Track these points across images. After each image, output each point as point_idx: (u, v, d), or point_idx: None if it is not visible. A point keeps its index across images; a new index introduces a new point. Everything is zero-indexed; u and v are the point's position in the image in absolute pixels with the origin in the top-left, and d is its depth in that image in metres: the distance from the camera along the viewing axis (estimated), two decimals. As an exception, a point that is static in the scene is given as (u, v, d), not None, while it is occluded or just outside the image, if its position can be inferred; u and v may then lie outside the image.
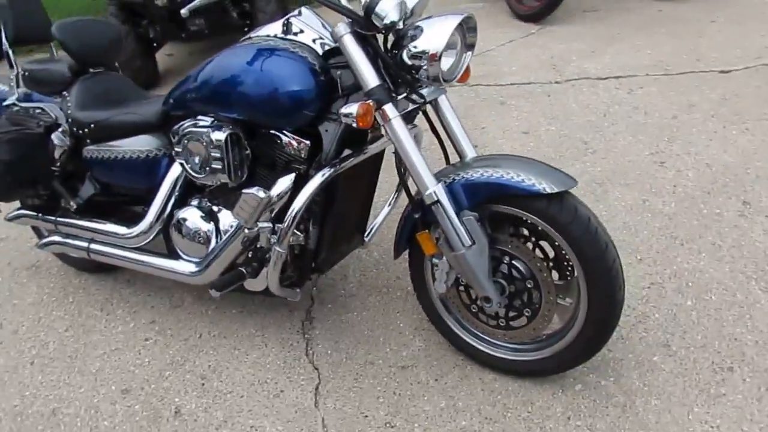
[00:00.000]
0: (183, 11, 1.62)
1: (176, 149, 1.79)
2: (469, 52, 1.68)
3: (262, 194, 1.57)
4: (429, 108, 1.78)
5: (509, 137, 3.14)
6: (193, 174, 1.79)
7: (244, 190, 1.64)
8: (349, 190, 1.83)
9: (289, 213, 1.61)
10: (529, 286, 1.65)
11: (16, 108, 2.22)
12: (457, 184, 1.61)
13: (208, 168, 1.75)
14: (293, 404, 1.84)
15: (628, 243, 2.30)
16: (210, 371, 2.01)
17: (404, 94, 1.65)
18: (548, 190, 1.50)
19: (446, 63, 1.64)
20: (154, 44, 4.35)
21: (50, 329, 2.31)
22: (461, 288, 1.78)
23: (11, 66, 2.25)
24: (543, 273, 1.62)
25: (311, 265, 1.87)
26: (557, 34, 4.45)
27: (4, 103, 2.27)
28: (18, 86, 2.25)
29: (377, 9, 1.54)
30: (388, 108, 1.56)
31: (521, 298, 1.68)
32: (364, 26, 1.57)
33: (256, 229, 1.61)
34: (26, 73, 2.22)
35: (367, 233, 2.12)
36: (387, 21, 1.55)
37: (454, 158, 1.82)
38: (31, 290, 2.55)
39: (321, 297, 2.27)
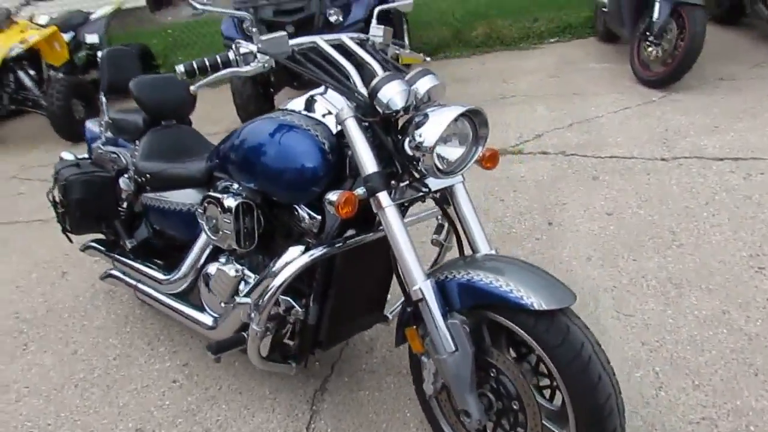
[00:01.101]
0: (192, 88, 1.69)
1: (198, 209, 1.87)
2: (480, 147, 1.58)
3: (233, 273, 1.58)
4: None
5: (589, 217, 2.90)
6: (209, 235, 1.85)
7: (217, 265, 1.67)
8: (355, 267, 1.78)
9: (266, 290, 1.60)
10: (515, 407, 1.48)
11: (100, 151, 2.47)
12: (452, 282, 1.50)
13: (220, 232, 1.80)
14: (275, 480, 1.81)
15: (688, 362, 1.99)
16: (216, 426, 2.04)
17: (407, 182, 1.58)
18: (535, 306, 1.35)
19: (454, 153, 1.56)
20: (271, 89, 4.65)
21: (102, 355, 2.49)
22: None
23: (102, 113, 2.51)
24: (528, 395, 1.45)
25: (311, 341, 1.84)
26: (680, 104, 4.06)
27: (93, 145, 2.54)
28: (105, 131, 2.50)
29: (379, 95, 1.50)
30: (382, 196, 1.51)
31: (508, 418, 1.51)
32: (368, 111, 1.54)
33: (231, 304, 1.62)
34: (111, 121, 2.46)
35: (392, 309, 2.06)
36: (390, 108, 1.50)
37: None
38: (100, 314, 2.79)
39: (342, 367, 2.22)
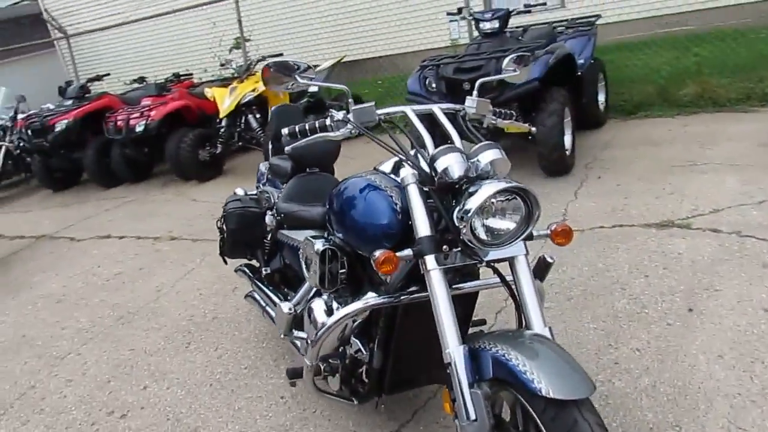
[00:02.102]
0: (287, 149, 1.96)
1: (300, 249, 2.14)
2: (530, 225, 1.59)
3: (286, 309, 1.78)
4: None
5: (740, 310, 2.55)
6: (304, 272, 2.10)
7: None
8: (419, 321, 1.86)
9: (318, 328, 1.78)
10: (523, 487, 1.44)
11: (260, 189, 2.91)
12: (485, 353, 1.53)
13: (311, 271, 2.04)
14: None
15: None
16: (299, 446, 2.27)
17: (459, 249, 1.65)
18: (543, 393, 1.33)
19: (503, 226, 1.59)
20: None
21: (237, 363, 2.90)
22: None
23: (266, 158, 2.96)
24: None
25: (375, 384, 1.97)
26: None
27: (258, 184, 3.00)
28: (267, 173, 2.94)
29: (436, 164, 1.62)
30: (429, 259, 1.61)
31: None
32: (427, 179, 1.66)
33: (290, 337, 1.81)
34: (271, 165, 2.90)
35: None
36: (446, 177, 1.60)
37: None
38: (248, 328, 3.23)
39: (421, 416, 2.29)
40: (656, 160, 4.50)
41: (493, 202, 1.56)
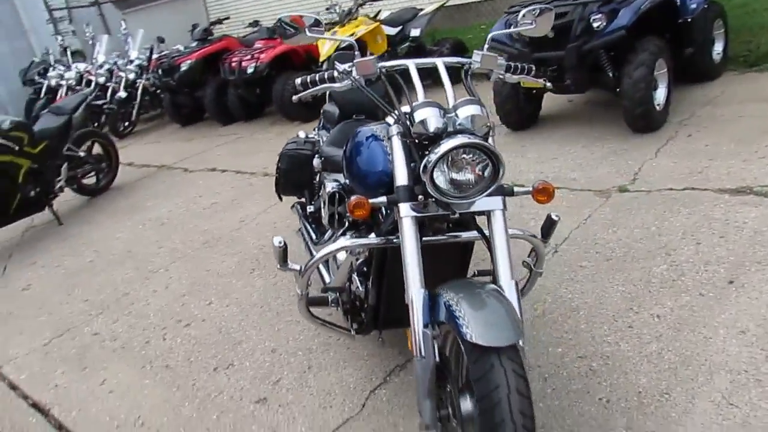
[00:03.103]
0: (294, 98, 2.10)
1: (320, 192, 2.32)
2: (493, 181, 1.64)
3: (276, 242, 1.96)
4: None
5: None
6: (320, 212, 2.29)
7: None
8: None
9: (308, 263, 1.96)
10: (454, 423, 1.56)
11: (314, 133, 3.12)
12: (440, 299, 1.63)
13: (321, 211, 2.22)
14: None
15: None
16: (316, 365, 2.52)
17: (434, 200, 1.73)
18: (468, 338, 1.43)
19: (464, 177, 1.65)
20: (533, 90, 4.73)
21: (288, 291, 3.19)
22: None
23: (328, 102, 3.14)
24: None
25: (371, 319, 2.13)
26: None
27: (315, 127, 3.20)
28: (322, 118, 3.13)
29: (414, 116, 1.70)
30: (402, 207, 1.72)
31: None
32: (407, 132, 1.75)
33: (284, 268, 2.00)
34: (323, 111, 3.07)
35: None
36: (421, 131, 1.69)
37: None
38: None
39: None
40: (761, 120, 4.08)
41: (455, 156, 1.62)
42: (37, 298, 3.84)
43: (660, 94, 4.21)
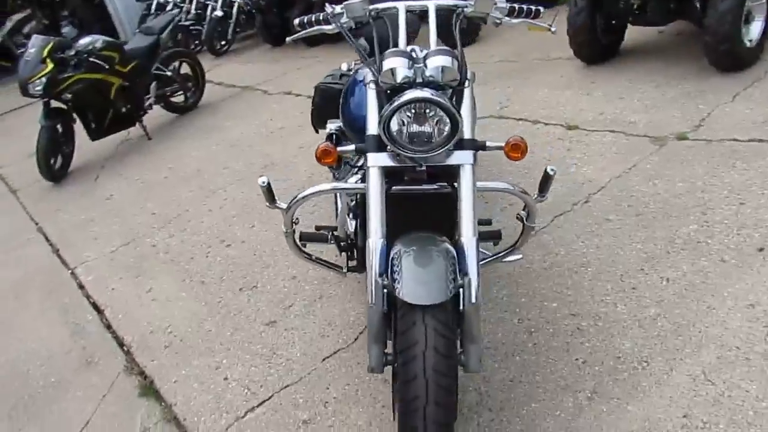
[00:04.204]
0: (287, 39, 2.10)
1: None
2: (444, 134, 1.61)
3: (260, 181, 2.03)
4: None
5: None
6: None
7: None
8: (394, 211, 1.99)
9: (290, 200, 2.03)
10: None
11: (350, 67, 3.12)
12: (393, 249, 1.67)
13: None
14: None
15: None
16: (318, 318, 2.67)
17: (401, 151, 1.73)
18: (397, 293, 1.48)
19: (420, 129, 1.63)
20: (613, 21, 4.33)
21: (323, 221, 3.32)
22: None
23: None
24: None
25: (361, 259, 2.20)
26: None
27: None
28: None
29: (382, 65, 1.68)
30: (369, 156, 1.75)
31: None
32: (377, 80, 1.73)
33: (272, 206, 2.09)
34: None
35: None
36: (388, 79, 1.67)
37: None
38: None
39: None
40: None
41: (413, 109, 1.60)
42: (116, 208, 4.26)
43: (754, 29, 3.75)
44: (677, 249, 2.39)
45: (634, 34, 4.67)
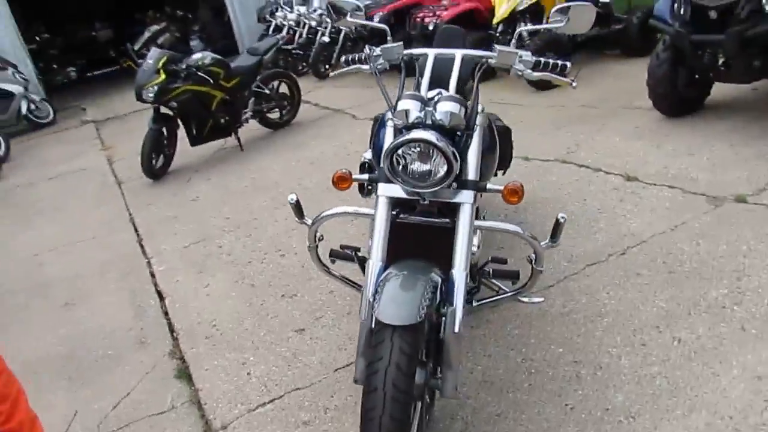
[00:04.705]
0: (330, 74, 2.30)
1: None
2: (440, 173, 1.74)
3: (290, 200, 2.23)
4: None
5: None
6: None
7: None
8: (405, 238, 2.11)
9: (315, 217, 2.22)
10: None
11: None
12: (385, 272, 1.84)
13: None
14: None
15: None
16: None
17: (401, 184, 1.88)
18: (374, 313, 1.63)
19: (418, 167, 1.78)
20: (695, 74, 4.21)
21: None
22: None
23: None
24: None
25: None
26: None
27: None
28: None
29: (397, 106, 1.86)
30: (380, 186, 1.93)
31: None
32: (394, 119, 1.91)
33: (300, 221, 2.29)
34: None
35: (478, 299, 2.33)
36: (402, 119, 1.85)
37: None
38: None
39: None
40: None
41: (412, 148, 1.76)
42: (198, 209, 4.70)
43: None
44: (699, 311, 2.36)
45: (724, 88, 4.53)
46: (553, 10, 2.04)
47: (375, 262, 1.87)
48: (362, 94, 7.67)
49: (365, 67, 2.20)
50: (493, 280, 2.35)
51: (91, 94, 11.74)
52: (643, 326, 2.35)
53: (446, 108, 1.81)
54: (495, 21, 6.23)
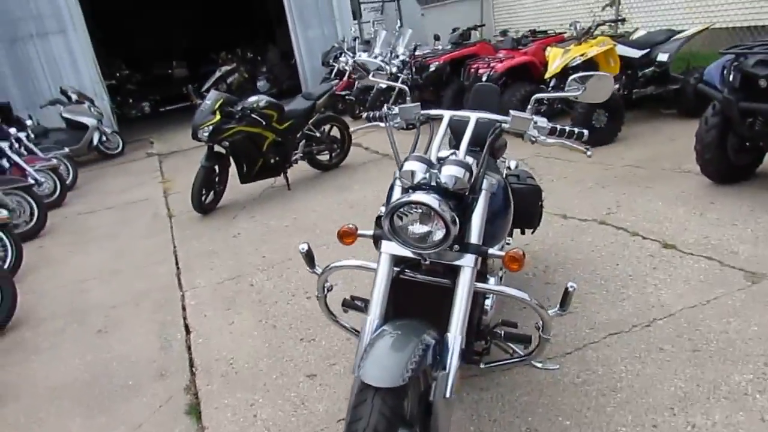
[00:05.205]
0: (351, 129, 2.35)
1: None
2: (437, 234, 1.75)
3: (301, 248, 2.28)
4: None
5: None
6: None
7: None
8: (408, 294, 2.11)
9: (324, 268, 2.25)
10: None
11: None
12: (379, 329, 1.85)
13: None
14: None
15: None
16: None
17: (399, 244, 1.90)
18: (356, 371, 1.64)
19: (417, 229, 1.80)
20: (747, 143, 4.05)
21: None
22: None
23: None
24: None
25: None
26: None
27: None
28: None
29: (403, 167, 1.90)
30: (384, 244, 1.95)
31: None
32: (401, 179, 1.95)
33: (310, 270, 2.33)
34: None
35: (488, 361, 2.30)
36: (407, 179, 1.88)
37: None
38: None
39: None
40: None
41: (410, 210, 1.78)
42: (237, 245, 4.84)
43: None
44: (719, 396, 2.23)
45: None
46: (571, 78, 2.05)
47: (372, 319, 1.89)
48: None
49: (382, 124, 2.26)
50: (508, 343, 2.32)
51: (161, 128, 12.37)
52: (657, 406, 2.24)
53: (450, 172, 1.83)
54: (547, 76, 6.23)
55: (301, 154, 6.45)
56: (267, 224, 5.27)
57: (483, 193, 1.93)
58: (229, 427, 2.56)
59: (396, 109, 2.23)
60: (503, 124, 2.06)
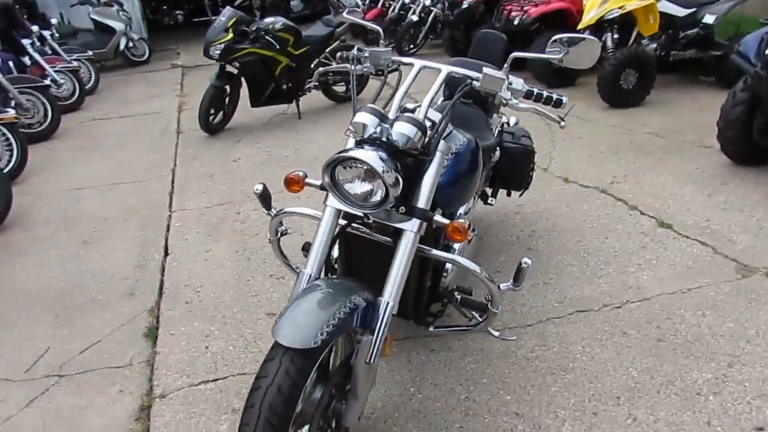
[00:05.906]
0: (320, 70, 2.21)
1: None
2: (377, 195, 1.65)
3: (255, 189, 2.20)
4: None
5: None
6: None
7: None
8: (357, 251, 2.03)
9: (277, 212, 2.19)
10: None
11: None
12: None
13: None
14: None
15: None
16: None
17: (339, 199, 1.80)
18: (271, 330, 1.58)
19: (355, 187, 1.70)
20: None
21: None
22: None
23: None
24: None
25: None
26: None
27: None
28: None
29: (354, 118, 1.78)
30: (329, 197, 1.85)
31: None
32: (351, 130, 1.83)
33: (266, 212, 2.26)
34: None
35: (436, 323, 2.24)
36: (357, 132, 1.76)
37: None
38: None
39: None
40: None
41: (352, 165, 1.67)
42: (234, 171, 4.79)
43: None
44: (670, 392, 2.14)
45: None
46: (553, 38, 1.86)
47: (307, 272, 1.82)
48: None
49: (352, 67, 2.11)
50: (465, 309, 2.25)
51: (190, 39, 12.18)
52: (603, 393, 2.16)
53: (401, 130, 1.70)
54: (580, 26, 5.85)
55: (316, 83, 6.27)
56: (269, 152, 5.19)
57: (438, 155, 1.79)
58: (180, 355, 2.57)
59: (367, 52, 2.07)
60: (474, 82, 1.90)
